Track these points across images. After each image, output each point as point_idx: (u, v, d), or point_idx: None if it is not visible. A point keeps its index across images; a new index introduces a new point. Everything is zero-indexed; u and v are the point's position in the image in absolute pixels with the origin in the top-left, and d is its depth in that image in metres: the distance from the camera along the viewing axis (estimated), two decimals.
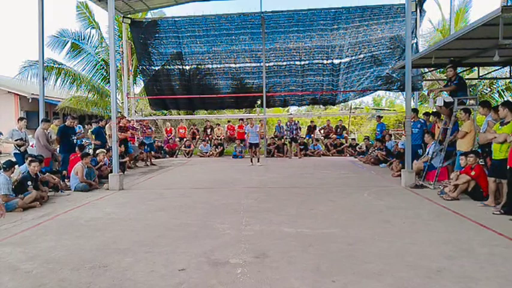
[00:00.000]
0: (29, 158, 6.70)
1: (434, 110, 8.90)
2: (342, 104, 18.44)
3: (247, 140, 12.21)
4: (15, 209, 5.88)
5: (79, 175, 7.60)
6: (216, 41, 14.77)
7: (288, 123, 15.04)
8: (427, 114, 9.84)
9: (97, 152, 9.03)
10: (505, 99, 14.57)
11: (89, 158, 8.03)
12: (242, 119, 15.50)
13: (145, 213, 5.73)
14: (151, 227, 4.88)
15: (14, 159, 7.16)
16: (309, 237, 4.36)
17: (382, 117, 14.45)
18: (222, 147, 15.49)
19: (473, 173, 6.15)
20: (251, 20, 14.26)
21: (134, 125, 13.45)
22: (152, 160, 12.78)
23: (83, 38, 16.42)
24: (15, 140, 8.00)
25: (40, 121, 8.59)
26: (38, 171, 7.04)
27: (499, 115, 5.98)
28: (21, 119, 8.55)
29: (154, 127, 17.09)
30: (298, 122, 15.62)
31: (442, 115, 8.15)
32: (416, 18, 13.44)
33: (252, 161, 11.97)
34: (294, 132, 14.76)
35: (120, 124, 10.35)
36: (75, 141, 8.99)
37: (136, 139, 13.10)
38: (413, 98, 13.52)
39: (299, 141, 14.71)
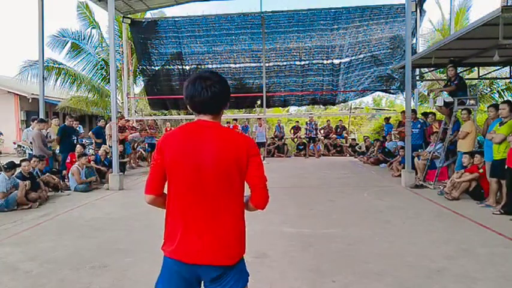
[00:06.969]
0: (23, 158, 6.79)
1: (434, 109, 8.90)
2: (342, 104, 18.41)
3: (256, 139, 12.48)
4: (17, 205, 5.92)
5: (75, 177, 7.58)
6: (216, 41, 14.72)
7: (308, 123, 14.72)
8: (425, 114, 9.82)
9: (102, 148, 9.10)
10: (505, 99, 14.56)
11: (85, 158, 8.01)
12: (235, 119, 15.35)
13: (145, 213, 5.70)
14: (151, 227, 4.87)
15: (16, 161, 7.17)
16: (309, 237, 4.36)
17: (390, 118, 14.45)
18: None
19: (481, 170, 6.12)
20: (251, 20, 14.22)
21: (133, 125, 13.39)
22: None
23: (83, 37, 16.34)
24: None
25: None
26: (40, 169, 7.05)
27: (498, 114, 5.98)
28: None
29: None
30: (317, 122, 15.45)
31: (441, 115, 8.15)
32: (416, 18, 13.42)
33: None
34: (313, 132, 14.52)
35: (119, 124, 10.33)
36: (75, 141, 9.00)
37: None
38: (413, 98, 13.50)
39: (318, 140, 14.61)
